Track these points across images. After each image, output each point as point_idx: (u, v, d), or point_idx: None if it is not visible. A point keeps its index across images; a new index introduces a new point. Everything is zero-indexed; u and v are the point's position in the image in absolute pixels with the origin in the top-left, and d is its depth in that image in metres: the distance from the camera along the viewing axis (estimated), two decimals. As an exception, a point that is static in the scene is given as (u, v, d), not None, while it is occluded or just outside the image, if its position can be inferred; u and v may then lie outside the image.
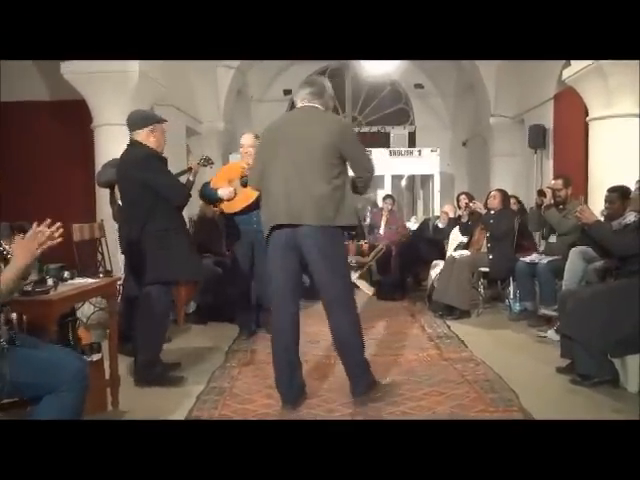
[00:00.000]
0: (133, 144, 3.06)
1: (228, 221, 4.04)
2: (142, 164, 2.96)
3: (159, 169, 2.99)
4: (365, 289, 6.03)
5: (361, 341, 2.66)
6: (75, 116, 5.38)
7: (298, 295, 2.69)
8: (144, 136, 3.05)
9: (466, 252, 4.95)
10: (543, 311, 4.14)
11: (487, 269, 4.77)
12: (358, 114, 10.76)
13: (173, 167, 4.34)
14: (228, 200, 3.85)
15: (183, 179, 3.48)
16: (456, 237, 5.52)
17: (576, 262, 4.01)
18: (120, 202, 3.42)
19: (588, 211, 3.18)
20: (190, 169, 3.58)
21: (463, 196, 5.53)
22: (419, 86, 10.39)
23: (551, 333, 3.81)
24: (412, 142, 10.25)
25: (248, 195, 3.73)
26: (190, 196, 3.22)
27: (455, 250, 5.35)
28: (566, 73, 5.10)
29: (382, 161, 8.06)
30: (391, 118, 10.63)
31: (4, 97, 5.44)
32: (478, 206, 4.83)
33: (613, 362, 2.87)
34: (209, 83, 7.82)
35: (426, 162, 8.06)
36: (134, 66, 4.82)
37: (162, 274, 2.95)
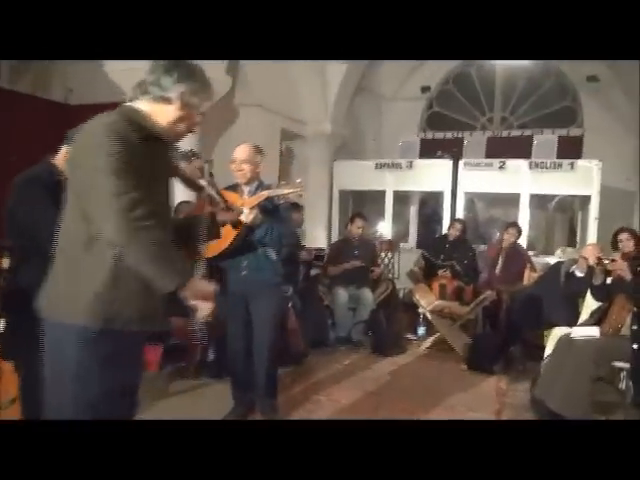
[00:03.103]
0: None
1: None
2: None
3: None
4: (458, 349, 4.51)
5: None
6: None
7: None
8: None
9: (594, 331, 3.23)
10: None
11: (626, 365, 3.01)
12: (509, 114, 8.85)
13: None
14: None
15: None
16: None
17: None
18: None
19: None
20: None
21: (626, 235, 3.74)
22: (593, 79, 8.10)
23: None
24: (578, 148, 8.06)
25: (226, 235, 2.69)
26: None
27: (589, 320, 3.62)
28: None
29: (519, 176, 6.27)
30: (552, 119, 8.50)
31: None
32: (619, 267, 3.06)
33: None
34: (315, 80, 6.88)
35: (581, 178, 6.03)
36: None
37: None
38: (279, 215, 2.82)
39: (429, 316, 4.71)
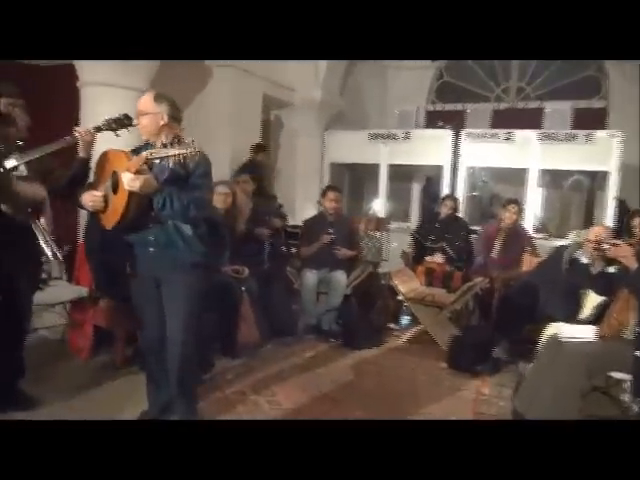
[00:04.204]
0: None
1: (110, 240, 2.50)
2: None
3: None
4: (442, 343, 3.93)
5: None
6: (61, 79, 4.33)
7: None
8: None
9: (588, 332, 2.62)
10: None
11: (627, 377, 2.41)
12: (526, 85, 8.06)
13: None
14: (96, 211, 2.32)
15: None
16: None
17: None
18: None
19: None
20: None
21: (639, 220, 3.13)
22: (621, 43, 7.25)
23: None
24: (600, 122, 7.25)
25: (116, 205, 2.17)
26: None
27: (590, 316, 3.02)
28: None
29: (527, 149, 5.57)
30: (573, 90, 7.68)
31: None
32: (621, 253, 2.43)
33: None
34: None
35: (599, 152, 5.30)
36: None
37: None
38: (191, 182, 2.26)
39: (409, 304, 4.13)
